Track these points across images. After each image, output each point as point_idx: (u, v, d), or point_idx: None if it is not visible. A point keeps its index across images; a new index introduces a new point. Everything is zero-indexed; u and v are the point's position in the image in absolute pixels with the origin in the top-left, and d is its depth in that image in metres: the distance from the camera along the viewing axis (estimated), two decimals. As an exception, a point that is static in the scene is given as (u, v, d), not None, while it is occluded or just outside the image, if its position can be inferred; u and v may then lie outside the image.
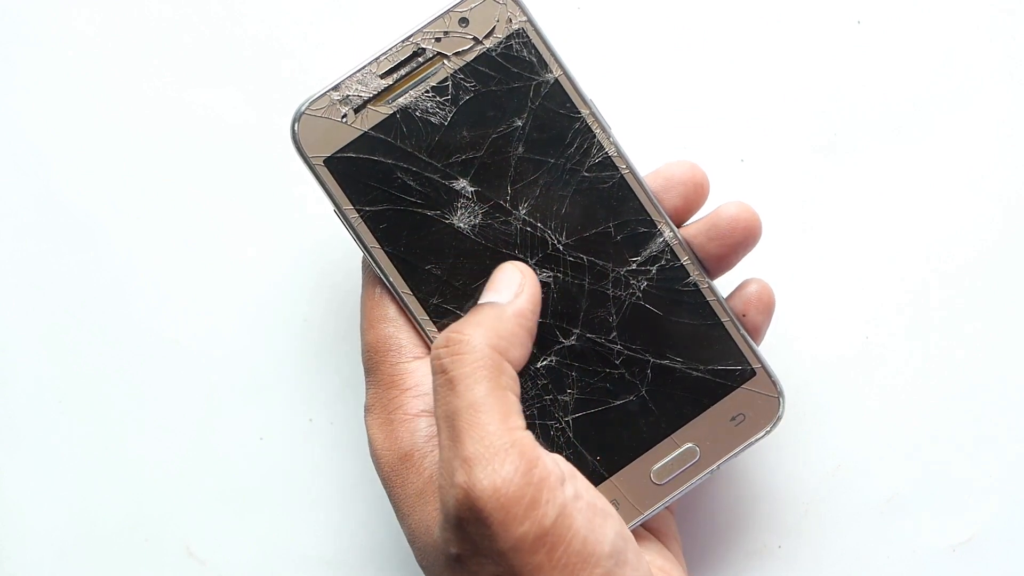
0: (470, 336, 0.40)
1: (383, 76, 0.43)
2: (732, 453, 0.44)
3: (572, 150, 0.43)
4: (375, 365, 0.44)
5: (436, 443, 0.42)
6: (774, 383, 0.44)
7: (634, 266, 0.44)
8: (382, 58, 0.43)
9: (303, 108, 0.43)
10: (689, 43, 0.51)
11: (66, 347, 0.51)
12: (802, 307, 0.50)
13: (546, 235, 0.44)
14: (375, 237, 0.43)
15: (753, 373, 0.44)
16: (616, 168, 0.44)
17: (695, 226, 0.44)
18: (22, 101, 0.51)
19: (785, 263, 0.50)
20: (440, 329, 0.43)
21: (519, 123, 0.43)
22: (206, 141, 0.51)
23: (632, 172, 0.44)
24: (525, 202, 0.43)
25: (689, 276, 0.44)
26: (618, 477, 0.44)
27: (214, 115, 0.51)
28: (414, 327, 0.44)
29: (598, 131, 0.44)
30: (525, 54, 0.43)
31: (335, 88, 0.43)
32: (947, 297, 0.50)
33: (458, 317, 0.43)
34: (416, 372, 0.43)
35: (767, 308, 0.45)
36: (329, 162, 0.43)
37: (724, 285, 0.45)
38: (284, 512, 0.51)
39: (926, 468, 0.50)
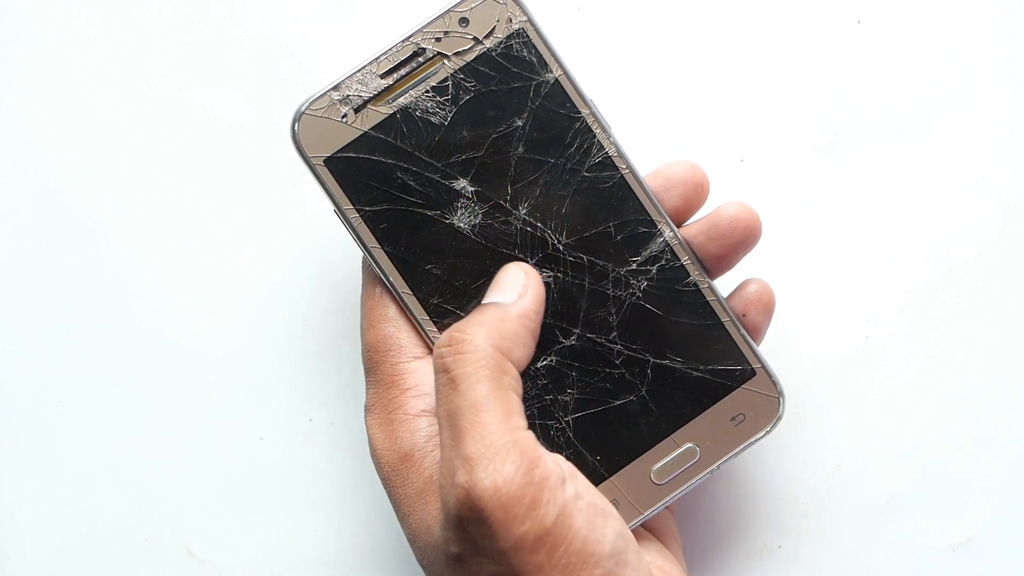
0: (473, 335, 0.40)
1: (383, 76, 0.43)
2: (732, 453, 0.44)
3: (572, 150, 0.43)
4: (375, 365, 0.44)
5: (436, 443, 0.42)
6: (774, 383, 0.44)
7: (634, 266, 0.44)
8: (382, 58, 0.43)
9: (303, 108, 0.43)
10: (689, 43, 0.51)
11: (66, 347, 0.51)
12: (802, 307, 0.50)
13: (546, 235, 0.44)
14: (375, 237, 0.43)
15: (753, 373, 0.44)
16: (616, 168, 0.44)
17: (695, 226, 0.44)
18: (22, 101, 0.51)
19: (785, 263, 0.50)
20: (440, 329, 0.43)
21: (519, 123, 0.43)
22: (206, 141, 0.51)
23: (632, 172, 0.44)
24: (525, 202, 0.43)
25: (689, 276, 0.44)
26: (618, 477, 0.44)
27: (214, 115, 0.51)
28: (414, 327, 0.44)
29: (598, 131, 0.44)
30: (525, 54, 0.43)
31: (335, 88, 0.43)
32: (947, 297, 0.50)
33: (458, 317, 0.43)
34: (416, 372, 0.43)
35: (767, 308, 0.45)
36: (329, 162, 0.43)
37: (724, 285, 0.45)
38: (284, 512, 0.51)
39: (926, 468, 0.50)
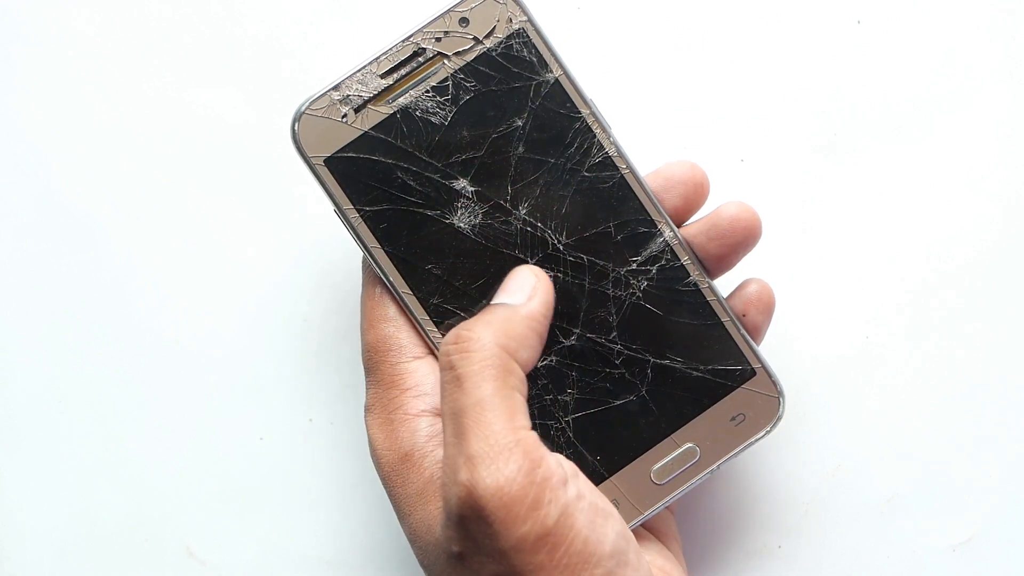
0: (480, 334, 0.40)
1: (383, 76, 0.43)
2: (732, 453, 0.44)
3: (572, 150, 0.43)
4: (375, 365, 0.44)
5: (436, 443, 0.42)
6: (774, 383, 0.44)
7: (634, 266, 0.44)
8: (382, 58, 0.43)
9: (303, 108, 0.43)
10: (689, 43, 0.51)
11: (66, 347, 0.51)
12: (802, 307, 0.50)
13: (546, 235, 0.44)
14: (375, 237, 0.43)
15: (753, 373, 0.44)
16: (616, 168, 0.44)
17: (695, 226, 0.44)
18: (22, 101, 0.51)
19: (785, 263, 0.50)
20: (440, 329, 0.43)
21: (519, 123, 0.43)
22: (206, 141, 0.51)
23: (632, 172, 0.44)
24: (525, 202, 0.43)
25: (689, 276, 0.44)
26: (618, 477, 0.44)
27: (214, 115, 0.51)
28: (414, 327, 0.44)
29: (598, 131, 0.44)
30: (525, 54, 0.43)
31: (335, 88, 0.43)
32: (947, 297, 0.50)
33: (458, 317, 0.43)
34: (416, 372, 0.43)
35: (767, 308, 0.45)
36: (329, 162, 0.43)
37: (724, 285, 0.45)
38: (284, 512, 0.51)
39: (926, 468, 0.50)
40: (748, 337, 0.44)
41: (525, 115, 0.43)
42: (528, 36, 0.43)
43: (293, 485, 0.51)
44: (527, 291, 0.42)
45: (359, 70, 0.43)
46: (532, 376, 0.43)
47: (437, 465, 0.42)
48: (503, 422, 0.39)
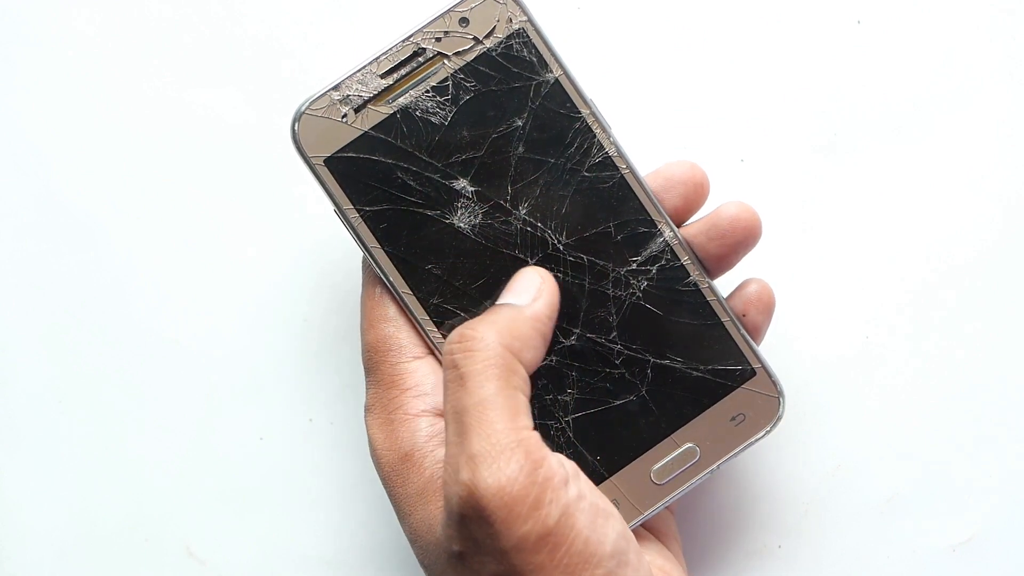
0: (484, 334, 0.40)
1: (383, 76, 0.43)
2: (732, 453, 0.44)
3: (572, 150, 0.43)
4: (375, 365, 0.44)
5: (437, 443, 0.42)
6: (774, 383, 0.44)
7: (634, 266, 0.44)
8: (382, 58, 0.43)
9: (303, 108, 0.43)
10: (689, 43, 0.51)
11: (66, 347, 0.51)
12: (802, 307, 0.50)
13: (546, 235, 0.44)
14: (375, 237, 0.43)
15: (753, 373, 0.44)
16: (616, 168, 0.44)
17: (695, 226, 0.44)
18: (22, 101, 0.51)
19: (785, 263, 0.50)
20: (440, 329, 0.43)
21: (519, 123, 0.43)
22: (206, 141, 0.51)
23: (632, 172, 0.44)
24: (525, 202, 0.43)
25: (689, 276, 0.44)
26: (618, 477, 0.44)
27: (214, 115, 0.51)
28: (414, 327, 0.44)
29: (598, 131, 0.44)
30: (525, 54, 0.43)
31: (335, 88, 0.43)
32: (947, 297, 0.50)
33: (458, 317, 0.43)
34: (416, 372, 0.43)
35: (767, 308, 0.45)
36: (329, 162, 0.43)
37: (724, 285, 0.45)
38: (284, 512, 0.51)
39: (926, 468, 0.50)
40: (748, 337, 0.44)
41: (525, 115, 0.43)
42: (528, 36, 0.43)
43: (293, 485, 0.51)
44: (532, 292, 0.42)
45: (359, 70, 0.43)
46: (532, 376, 0.43)
47: (437, 465, 0.42)
48: (505, 422, 0.39)
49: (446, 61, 0.43)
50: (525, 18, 0.43)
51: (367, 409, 0.44)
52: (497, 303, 0.42)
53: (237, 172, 0.51)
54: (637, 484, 0.44)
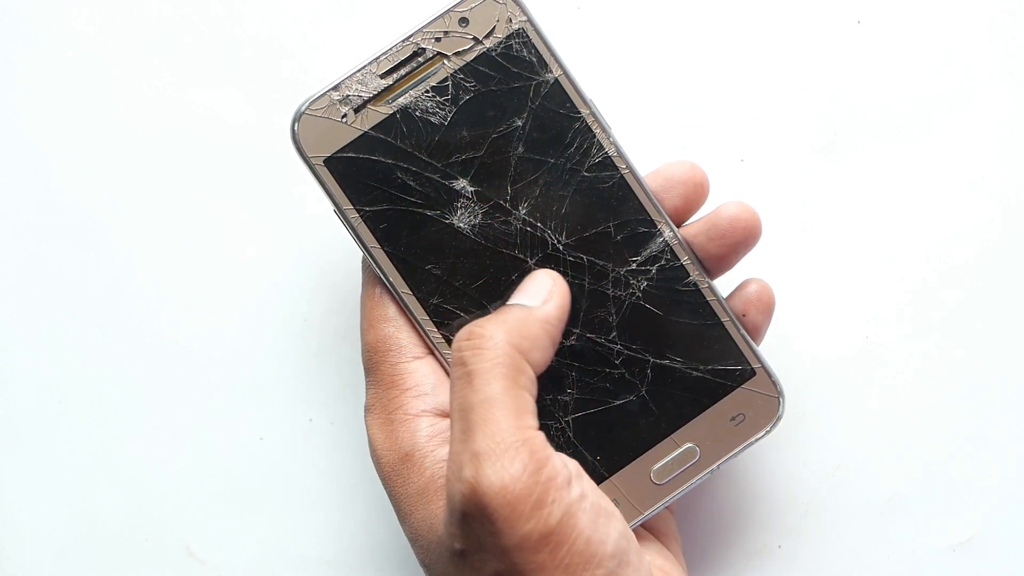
0: (493, 332, 0.40)
1: (383, 76, 0.43)
2: (732, 453, 0.44)
3: (572, 150, 0.43)
4: (375, 365, 0.44)
5: (437, 443, 0.42)
6: (774, 383, 0.44)
7: (634, 266, 0.44)
8: (382, 58, 0.43)
9: (303, 108, 0.43)
10: (689, 43, 0.51)
11: (66, 347, 0.51)
12: (802, 307, 0.50)
13: (546, 235, 0.44)
14: (375, 237, 0.43)
15: (753, 373, 0.44)
16: (616, 168, 0.44)
17: (695, 226, 0.44)
18: (22, 101, 0.51)
19: (785, 263, 0.50)
20: (440, 329, 0.43)
21: (519, 123, 0.43)
22: (206, 141, 0.51)
23: (632, 172, 0.44)
24: (525, 202, 0.43)
25: (689, 276, 0.44)
26: (618, 477, 0.44)
27: (214, 115, 0.51)
28: (414, 327, 0.44)
29: (598, 131, 0.44)
30: (525, 54, 0.43)
31: (335, 88, 0.43)
32: (947, 297, 0.50)
33: (458, 317, 0.43)
34: (416, 372, 0.43)
35: (767, 308, 0.45)
36: (329, 162, 0.43)
37: (724, 285, 0.45)
38: (284, 512, 0.51)
39: (926, 468, 0.50)
40: (748, 337, 0.44)
41: (525, 115, 0.43)
42: (528, 36, 0.43)
43: (293, 485, 0.51)
44: (543, 294, 0.42)
45: (359, 70, 0.43)
46: (532, 376, 0.44)
47: (437, 465, 0.42)
48: (511, 420, 0.39)
49: (446, 61, 0.43)
50: (525, 18, 0.43)
51: (367, 409, 0.44)
52: (507, 303, 0.42)
53: (237, 172, 0.51)
54: (637, 484, 0.44)
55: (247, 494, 0.51)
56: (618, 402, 0.44)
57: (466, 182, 0.43)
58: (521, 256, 0.44)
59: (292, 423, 0.51)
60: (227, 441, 0.51)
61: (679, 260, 0.44)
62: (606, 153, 0.44)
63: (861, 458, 0.50)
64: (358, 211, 0.43)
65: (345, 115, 0.43)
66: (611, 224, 0.44)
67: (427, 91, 0.43)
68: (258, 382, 0.51)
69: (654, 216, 0.44)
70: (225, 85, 0.51)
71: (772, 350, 0.48)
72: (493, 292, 0.43)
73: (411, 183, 0.43)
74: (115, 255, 0.51)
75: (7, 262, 0.51)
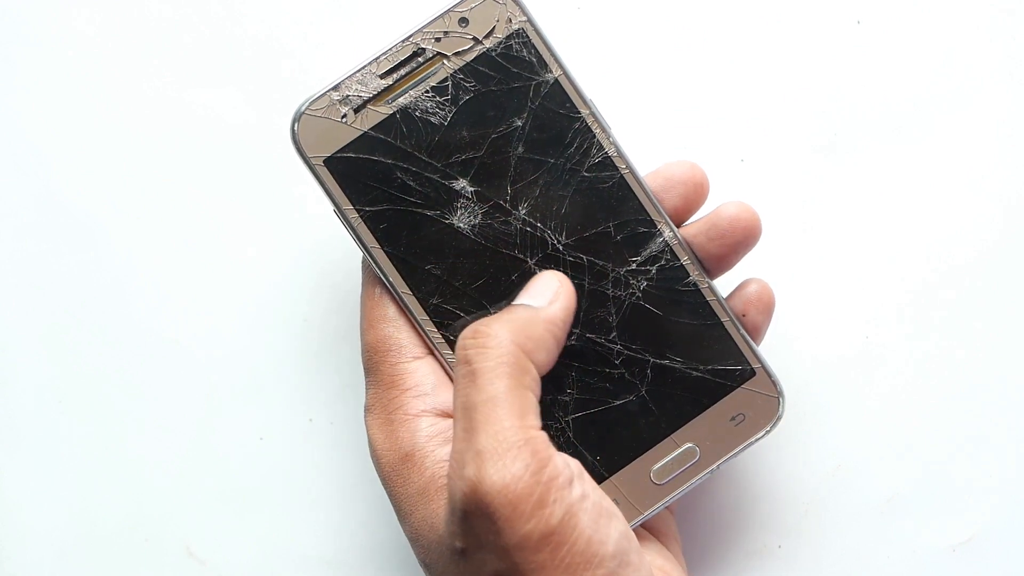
0: (498, 331, 0.40)
1: (383, 76, 0.43)
2: (732, 453, 0.44)
3: (572, 150, 0.43)
4: (375, 365, 0.44)
5: (437, 443, 0.42)
6: (774, 383, 0.44)
7: (634, 266, 0.44)
8: (382, 58, 0.43)
9: (303, 108, 0.43)
10: (689, 43, 0.51)
11: (66, 347, 0.51)
12: (802, 307, 0.50)
13: (546, 235, 0.44)
14: (375, 237, 0.43)
15: (753, 373, 0.44)
16: (616, 168, 0.44)
17: (695, 226, 0.44)
18: (22, 101, 0.51)
19: (785, 263, 0.50)
20: (440, 329, 0.44)
21: (519, 123, 0.43)
22: (206, 141, 0.51)
23: (632, 172, 0.44)
24: (525, 202, 0.43)
25: (689, 276, 0.44)
26: (618, 477, 0.44)
27: (214, 115, 0.51)
28: (414, 327, 0.44)
29: (598, 131, 0.43)
30: (525, 54, 0.43)
31: (335, 88, 0.43)
32: (947, 297, 0.50)
33: (458, 317, 0.43)
34: (416, 372, 0.43)
35: (767, 308, 0.45)
36: (329, 162, 0.43)
37: (724, 285, 0.45)
38: (284, 512, 0.51)
39: (926, 468, 0.50)
40: (748, 337, 0.44)
41: (525, 115, 0.43)
42: (528, 36, 0.43)
43: (293, 485, 0.51)
44: (549, 295, 0.42)
45: (359, 70, 0.43)
46: (532, 376, 0.44)
47: (438, 465, 0.42)
48: (514, 419, 0.39)
49: (446, 61, 0.43)
50: (525, 18, 0.43)
51: (367, 409, 0.44)
52: (513, 303, 0.42)
53: (237, 172, 0.51)
54: (637, 484, 0.44)
55: (247, 494, 0.51)
56: (618, 402, 0.44)
57: (466, 182, 0.43)
58: (521, 256, 0.44)
59: (292, 423, 0.51)
60: (227, 441, 0.51)
61: (679, 260, 0.44)
62: (606, 153, 0.44)
63: (861, 458, 0.50)
64: (358, 211, 0.43)
65: (345, 115, 0.43)
66: (611, 224, 0.44)
67: (427, 91, 0.43)
68: (258, 382, 0.51)
69: (654, 216, 0.44)
70: (225, 85, 0.51)
71: (772, 350, 0.48)
72: (493, 292, 0.43)
73: (411, 183, 0.43)
74: (115, 255, 0.51)
75: (7, 262, 0.51)
